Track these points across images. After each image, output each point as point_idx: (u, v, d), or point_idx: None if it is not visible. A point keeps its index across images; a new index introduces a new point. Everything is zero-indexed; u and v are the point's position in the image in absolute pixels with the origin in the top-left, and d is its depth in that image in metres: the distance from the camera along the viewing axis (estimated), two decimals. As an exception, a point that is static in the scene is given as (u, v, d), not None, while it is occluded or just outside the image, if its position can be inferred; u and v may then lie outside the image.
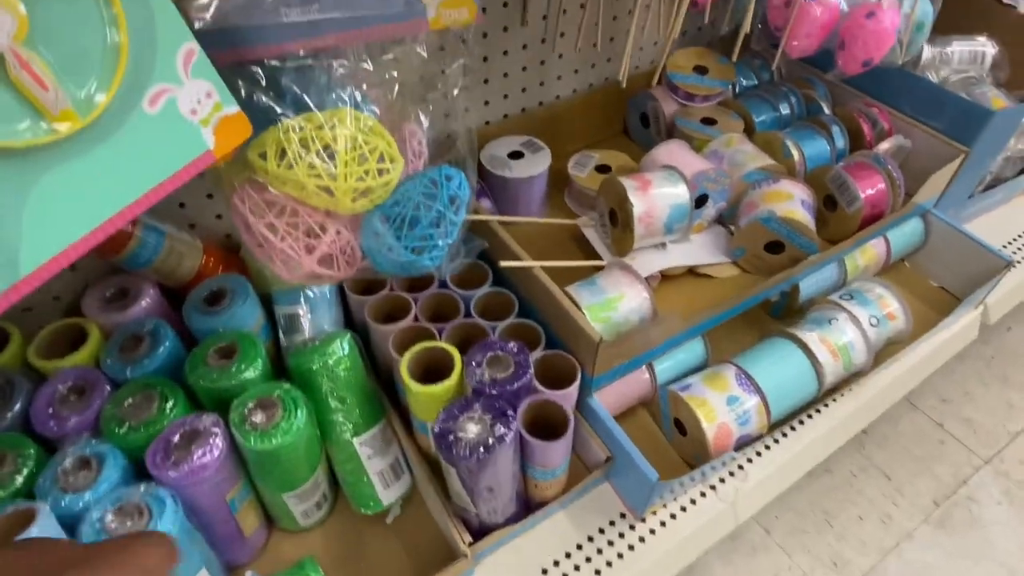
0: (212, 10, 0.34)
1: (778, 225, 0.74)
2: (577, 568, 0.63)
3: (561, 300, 0.61)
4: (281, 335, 0.66)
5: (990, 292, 0.90)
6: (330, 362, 0.59)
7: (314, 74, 0.41)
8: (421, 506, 0.66)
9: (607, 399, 0.69)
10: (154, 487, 0.48)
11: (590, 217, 0.82)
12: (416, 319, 0.66)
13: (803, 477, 0.79)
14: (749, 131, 0.90)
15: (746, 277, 0.80)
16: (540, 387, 0.60)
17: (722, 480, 0.71)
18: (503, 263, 0.65)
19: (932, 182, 0.83)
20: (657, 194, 0.72)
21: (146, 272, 0.64)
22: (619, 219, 0.74)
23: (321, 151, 0.40)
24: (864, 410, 0.80)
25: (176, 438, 0.52)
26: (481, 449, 0.52)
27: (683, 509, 0.69)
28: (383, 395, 0.67)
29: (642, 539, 0.65)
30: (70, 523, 0.46)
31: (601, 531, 0.66)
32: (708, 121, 0.90)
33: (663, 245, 0.77)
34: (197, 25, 0.34)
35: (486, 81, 0.85)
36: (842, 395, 0.77)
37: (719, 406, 0.67)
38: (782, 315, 0.85)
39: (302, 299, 0.66)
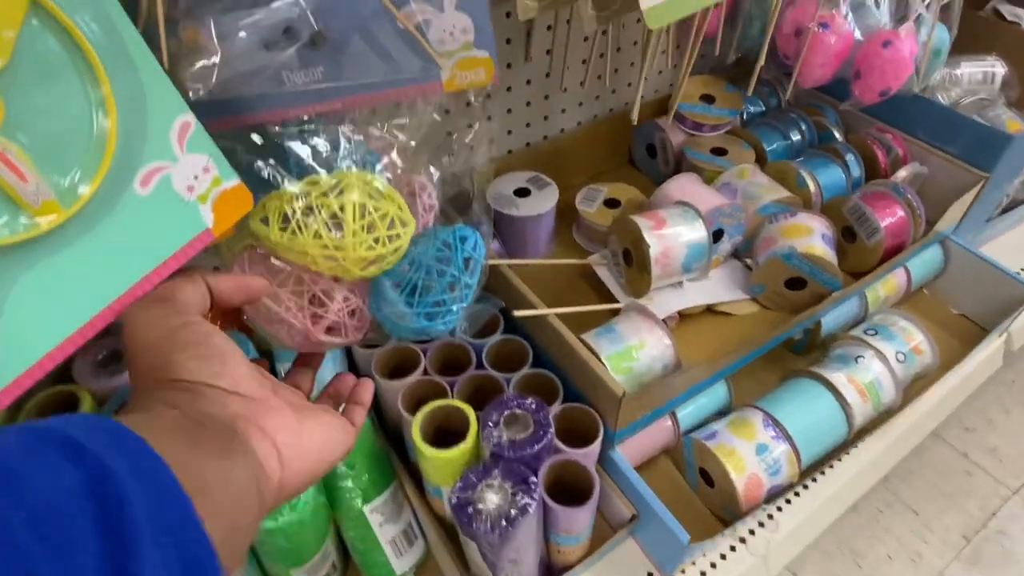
0: (210, 79, 0.31)
1: (799, 262, 0.71)
2: (605, 637, 0.59)
3: (580, 351, 0.58)
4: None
5: (1014, 320, 0.87)
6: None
7: (319, 136, 0.38)
8: (435, 572, 0.62)
9: (628, 450, 0.65)
10: None
11: (601, 255, 0.79)
12: (425, 372, 0.63)
13: (831, 519, 0.75)
14: (760, 160, 0.88)
15: (766, 314, 0.77)
16: (561, 446, 0.56)
17: (752, 532, 0.68)
18: (517, 312, 0.62)
19: (953, 210, 0.80)
20: (674, 233, 0.69)
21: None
22: (634, 259, 0.71)
23: (327, 220, 0.37)
24: (893, 448, 0.77)
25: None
26: (503, 522, 0.48)
27: (713, 565, 0.65)
28: (392, 454, 0.64)
29: (672, 601, 0.62)
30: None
31: (629, 593, 0.62)
32: (718, 151, 0.88)
33: (680, 284, 0.74)
34: (193, 96, 0.31)
35: (489, 118, 0.83)
36: (871, 435, 0.74)
37: (748, 456, 0.64)
38: (803, 352, 0.82)
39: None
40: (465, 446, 0.53)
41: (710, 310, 0.76)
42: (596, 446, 0.58)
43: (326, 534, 0.56)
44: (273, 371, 0.63)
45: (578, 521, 0.54)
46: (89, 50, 0.26)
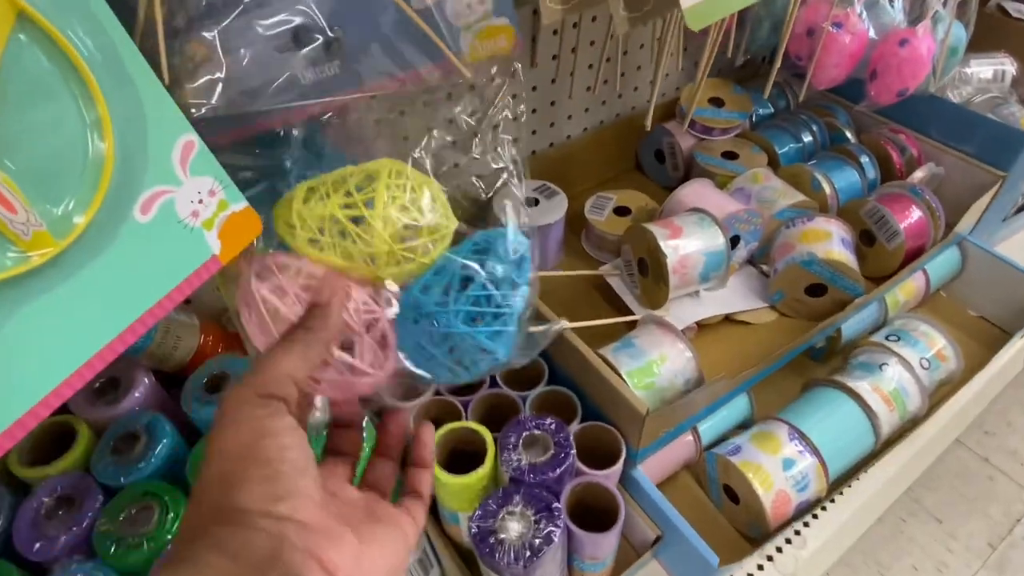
0: (214, 93, 0.28)
1: (820, 268, 0.69)
2: (633, 666, 0.56)
3: (600, 368, 0.56)
4: (291, 418, 0.60)
5: (1036, 321, 0.85)
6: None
7: (332, 130, 0.36)
8: (453, 600, 0.60)
9: (649, 467, 0.63)
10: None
11: (613, 265, 0.77)
12: (437, 392, 0.61)
13: (858, 534, 0.73)
14: (773, 164, 0.86)
15: (785, 321, 0.75)
16: (583, 467, 0.54)
17: (779, 549, 0.65)
18: (531, 328, 0.59)
19: (973, 211, 0.78)
20: (691, 242, 0.67)
21: (139, 358, 0.58)
22: (650, 269, 0.69)
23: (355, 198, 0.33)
24: (920, 457, 0.75)
25: (180, 558, 0.45)
26: (527, 552, 0.46)
27: (740, 586, 0.62)
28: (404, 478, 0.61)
29: (700, 625, 0.59)
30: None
31: (655, 618, 0.59)
32: (729, 155, 0.86)
33: (696, 293, 0.72)
34: (196, 112, 0.28)
35: (496, 127, 0.81)
36: (898, 444, 0.72)
37: (775, 471, 0.61)
38: (823, 359, 0.80)
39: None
40: (483, 471, 0.51)
41: (728, 319, 0.74)
42: (619, 466, 0.55)
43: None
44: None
45: (603, 547, 0.52)
46: (82, 66, 0.24)
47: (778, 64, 0.65)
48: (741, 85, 0.92)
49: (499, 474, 0.53)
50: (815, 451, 0.63)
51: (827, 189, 0.79)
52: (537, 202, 0.80)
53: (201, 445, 0.53)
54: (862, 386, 0.68)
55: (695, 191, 0.76)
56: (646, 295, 0.71)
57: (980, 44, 1.01)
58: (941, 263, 0.85)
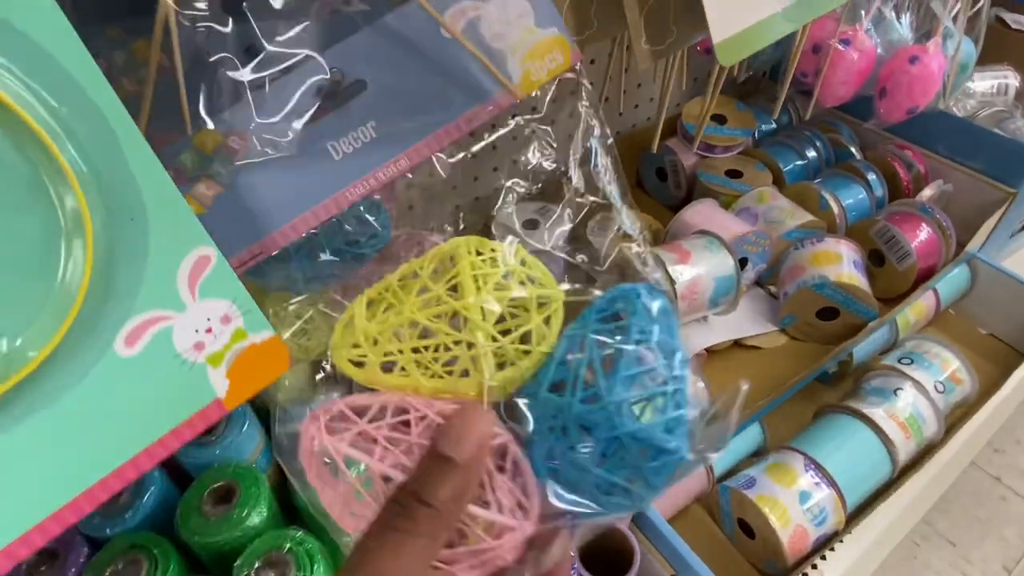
0: (231, 184, 0.25)
1: (833, 291, 0.67)
2: None
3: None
4: (279, 458, 0.57)
5: (1049, 340, 0.84)
6: (348, 496, 0.50)
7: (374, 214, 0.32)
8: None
9: (661, 501, 0.61)
10: None
11: (618, 288, 0.75)
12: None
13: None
14: (778, 182, 0.84)
15: (796, 345, 0.73)
16: (595, 508, 0.51)
17: (796, 584, 0.63)
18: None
19: (984, 229, 0.77)
20: (699, 267, 0.65)
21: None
22: (657, 295, 0.67)
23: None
24: (936, 483, 0.72)
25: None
26: (541, 606, 0.43)
27: (758, 625, 0.60)
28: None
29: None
30: None
31: (671, 663, 0.57)
32: (732, 173, 0.84)
33: (705, 318, 0.70)
34: (208, 213, 0.24)
35: (495, 147, 0.79)
36: (915, 471, 0.69)
37: (791, 505, 0.59)
38: (834, 382, 0.78)
39: (308, 415, 0.58)
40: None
41: (737, 344, 0.72)
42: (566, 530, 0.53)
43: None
44: (268, 431, 0.58)
45: (619, 594, 0.49)
46: (53, 150, 0.19)
47: (787, 85, 0.63)
48: (743, 101, 0.91)
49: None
50: (832, 482, 0.61)
51: (835, 208, 0.77)
52: (537, 224, 0.78)
53: (193, 491, 0.50)
54: (877, 413, 0.66)
55: (701, 212, 0.74)
56: (653, 321, 0.69)
57: (981, 56, 1.00)
58: (950, 281, 0.83)
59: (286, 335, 0.43)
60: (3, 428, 0.20)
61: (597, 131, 0.32)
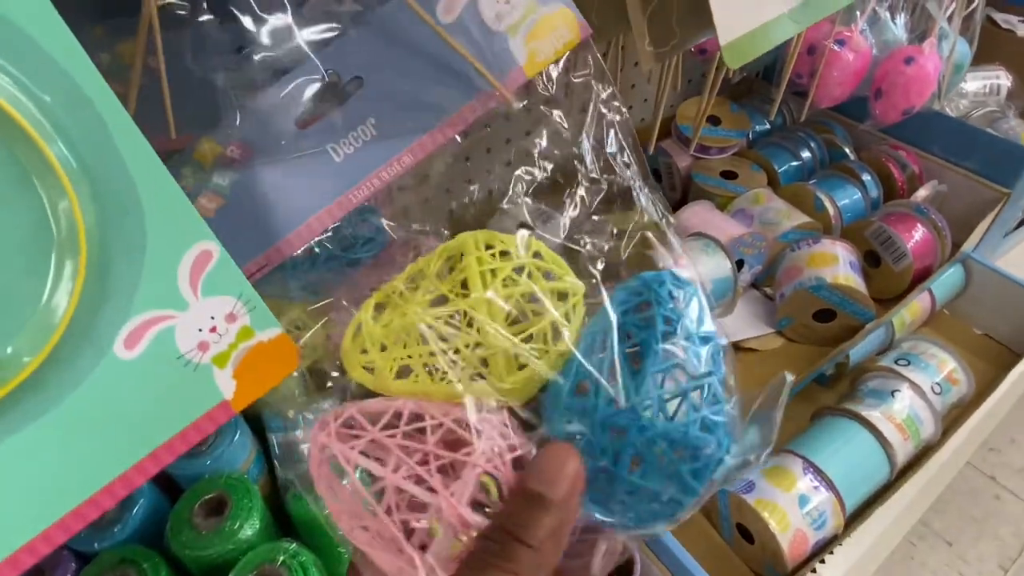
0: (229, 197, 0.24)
1: (830, 293, 0.66)
2: None
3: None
4: (278, 467, 0.56)
5: (1043, 339, 0.84)
6: (342, 506, 0.49)
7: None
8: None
9: (659, 507, 0.60)
10: None
11: (614, 291, 0.74)
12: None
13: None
14: (772, 183, 0.84)
15: (792, 347, 0.73)
16: (594, 516, 0.51)
17: (795, 589, 0.62)
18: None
19: (979, 229, 0.77)
20: (696, 269, 0.64)
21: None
22: (654, 298, 0.66)
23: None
24: (933, 484, 0.72)
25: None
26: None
27: (758, 631, 0.59)
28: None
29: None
30: None
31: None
32: (727, 175, 0.84)
33: (701, 321, 0.69)
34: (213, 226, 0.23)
35: (489, 150, 0.78)
36: (913, 473, 0.69)
37: (791, 509, 0.59)
38: (830, 384, 0.77)
39: (301, 422, 0.57)
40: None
41: (734, 346, 0.71)
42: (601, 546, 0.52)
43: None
44: (263, 442, 0.57)
45: (619, 603, 0.49)
46: (42, 146, 0.18)
47: (783, 86, 0.63)
48: (737, 102, 0.90)
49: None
50: (831, 485, 0.61)
51: (830, 209, 0.77)
52: (532, 227, 0.77)
53: (183, 504, 0.49)
54: (875, 415, 0.66)
55: (697, 215, 0.73)
56: (650, 324, 0.69)
57: (973, 57, 1.00)
58: (946, 281, 0.83)
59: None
60: (6, 433, 0.20)
61: (611, 108, 0.30)
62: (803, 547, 0.59)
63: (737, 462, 0.22)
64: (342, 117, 0.28)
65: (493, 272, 0.25)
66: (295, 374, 0.48)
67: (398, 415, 0.23)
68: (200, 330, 0.22)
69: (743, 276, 0.73)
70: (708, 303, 0.25)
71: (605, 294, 0.25)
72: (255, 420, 0.58)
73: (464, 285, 0.25)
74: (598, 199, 0.29)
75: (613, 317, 0.23)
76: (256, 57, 0.24)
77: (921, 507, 0.73)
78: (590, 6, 0.34)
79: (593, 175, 0.29)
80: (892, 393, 0.68)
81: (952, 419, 0.73)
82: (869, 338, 0.76)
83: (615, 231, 0.28)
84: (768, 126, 0.95)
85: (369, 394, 0.26)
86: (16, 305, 0.19)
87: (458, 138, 0.31)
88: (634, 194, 0.29)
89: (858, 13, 0.66)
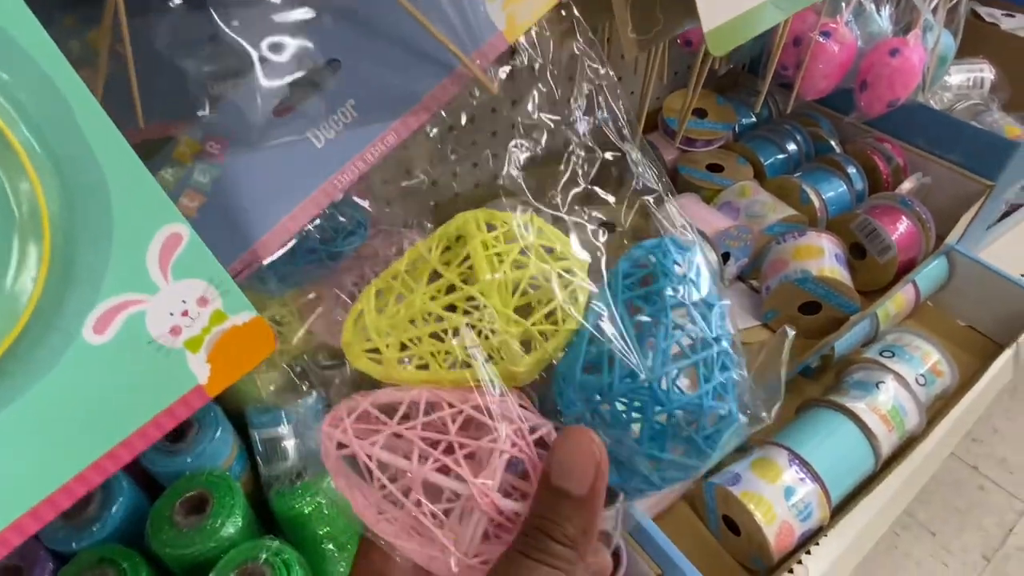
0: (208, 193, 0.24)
1: (815, 286, 0.66)
2: None
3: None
4: (261, 464, 0.56)
5: (1025, 331, 0.84)
6: (324, 502, 0.49)
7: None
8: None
9: (646, 500, 0.60)
10: None
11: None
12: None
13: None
14: (759, 175, 0.84)
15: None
16: (580, 510, 0.51)
17: (781, 581, 0.63)
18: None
19: (963, 221, 0.77)
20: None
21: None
22: (640, 291, 0.66)
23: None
24: (917, 475, 0.73)
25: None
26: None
27: (744, 622, 0.60)
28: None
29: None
30: None
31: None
32: (714, 167, 0.83)
33: (688, 314, 0.69)
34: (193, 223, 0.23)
35: (474, 143, 0.77)
36: (898, 464, 0.70)
37: (777, 501, 0.59)
38: (815, 376, 0.78)
39: (284, 419, 0.56)
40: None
41: (720, 339, 0.72)
42: (618, 506, 0.52)
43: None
44: (245, 439, 0.56)
45: (605, 597, 0.48)
46: (4, 130, 0.18)
47: (769, 78, 0.63)
48: (723, 95, 0.90)
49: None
50: (816, 477, 0.61)
51: (816, 202, 0.77)
52: (546, 190, 0.76)
53: (164, 501, 0.48)
54: (860, 407, 0.66)
55: (683, 207, 0.73)
56: (636, 317, 0.68)
57: (957, 50, 1.00)
58: (930, 274, 0.83)
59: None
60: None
61: (599, 73, 0.29)
62: (789, 539, 0.59)
63: (748, 421, 0.23)
64: (321, 102, 0.27)
65: (499, 256, 0.24)
66: (283, 369, 0.47)
67: (414, 405, 0.23)
68: (171, 314, 0.22)
69: (729, 269, 0.73)
70: (711, 263, 0.24)
71: (604, 269, 0.25)
72: (238, 417, 0.57)
73: (469, 267, 0.24)
74: (594, 169, 0.28)
75: (619, 291, 0.23)
76: (229, 44, 0.23)
77: (906, 498, 0.74)
78: (571, -6, 0.34)
79: (588, 143, 0.28)
80: (877, 385, 0.68)
81: (936, 410, 0.74)
82: (854, 330, 0.76)
83: (614, 200, 0.28)
84: (754, 119, 0.95)
85: (370, 384, 0.25)
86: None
87: (443, 113, 0.30)
88: (629, 161, 0.28)
89: (843, 4, 0.66)
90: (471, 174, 0.38)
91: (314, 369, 0.32)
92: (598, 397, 0.22)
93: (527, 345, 0.23)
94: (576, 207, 0.27)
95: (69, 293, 0.20)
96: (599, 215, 0.27)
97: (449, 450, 0.22)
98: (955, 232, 0.78)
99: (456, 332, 0.23)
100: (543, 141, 0.29)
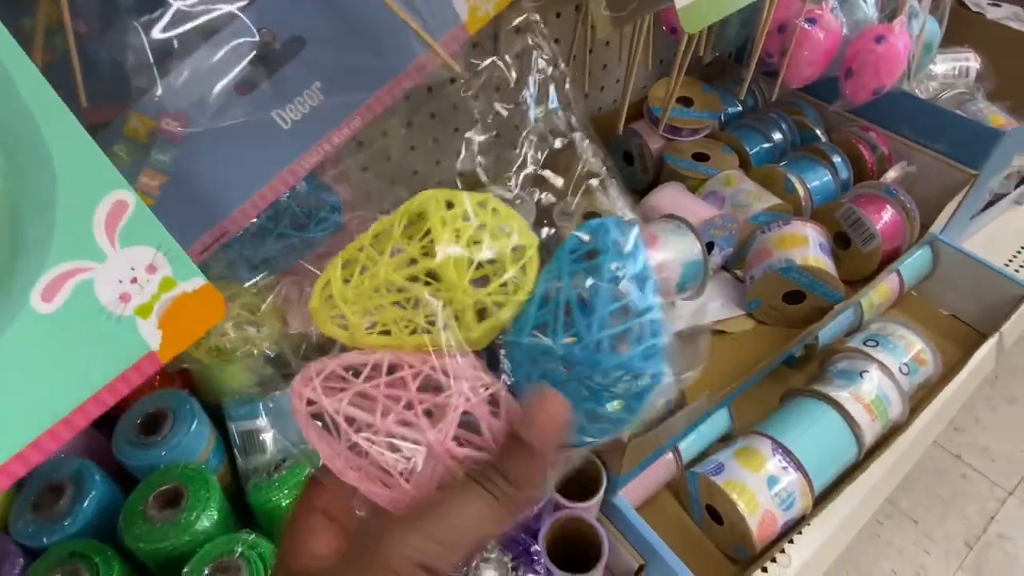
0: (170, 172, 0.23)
1: (799, 275, 0.66)
2: None
3: (577, 392, 0.52)
4: (238, 456, 0.55)
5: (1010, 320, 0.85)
6: (304, 494, 0.48)
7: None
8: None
9: (630, 489, 0.60)
10: None
11: (585, 274, 0.73)
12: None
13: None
14: (744, 165, 0.83)
15: (763, 329, 0.73)
16: (562, 500, 0.50)
17: (764, 569, 0.63)
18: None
19: (947, 210, 0.77)
20: (667, 252, 0.63)
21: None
22: (624, 280, 0.65)
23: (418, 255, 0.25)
24: (900, 464, 0.73)
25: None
26: (506, 604, 0.42)
27: (727, 612, 0.60)
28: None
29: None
30: None
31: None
32: (699, 157, 0.83)
33: (672, 303, 0.69)
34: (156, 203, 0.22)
35: (456, 129, 0.76)
36: (881, 453, 0.70)
37: (760, 490, 0.59)
38: (800, 365, 0.78)
39: (261, 410, 0.55)
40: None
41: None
42: (599, 497, 0.52)
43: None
44: (223, 432, 0.55)
45: (587, 587, 0.48)
46: None
47: (753, 65, 0.62)
48: (709, 83, 0.90)
49: (471, 513, 0.49)
50: (799, 466, 0.61)
51: (801, 191, 0.77)
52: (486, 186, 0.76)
53: (137, 495, 0.47)
54: (843, 396, 0.66)
55: (668, 196, 0.73)
56: (620, 307, 0.68)
57: (942, 39, 1.00)
58: (914, 263, 0.84)
59: (228, 325, 0.41)
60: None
61: (550, 63, 0.30)
62: (772, 528, 0.59)
63: (674, 380, 0.26)
64: (286, 81, 0.26)
65: (457, 232, 0.26)
66: (255, 360, 0.46)
67: (377, 367, 0.25)
68: (120, 281, 0.22)
69: (714, 258, 0.73)
70: (680, 288, 0.26)
71: (553, 246, 0.27)
72: (215, 409, 0.56)
73: (430, 241, 0.26)
74: (545, 154, 0.29)
75: (566, 264, 0.26)
76: (178, 18, 0.22)
77: (888, 487, 0.74)
78: (546, -28, 0.33)
79: (539, 130, 0.30)
80: (860, 374, 0.68)
81: (919, 399, 0.74)
82: (838, 320, 0.76)
83: (562, 184, 0.30)
84: (740, 108, 0.95)
85: (339, 351, 0.27)
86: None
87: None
88: (577, 147, 0.30)
89: (829, -9, 0.65)
90: (436, 158, 0.38)
91: (292, 359, 0.31)
92: (544, 359, 0.25)
93: (482, 314, 0.26)
94: (528, 188, 0.29)
95: (16, 262, 0.20)
96: (550, 196, 0.29)
97: (410, 406, 0.24)
98: (939, 221, 0.78)
99: (417, 302, 0.25)
100: (497, 128, 0.30)
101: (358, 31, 0.27)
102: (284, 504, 0.48)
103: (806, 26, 0.66)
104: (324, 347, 0.29)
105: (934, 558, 0.90)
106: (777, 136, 0.86)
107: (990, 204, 0.95)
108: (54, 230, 0.20)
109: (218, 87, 0.25)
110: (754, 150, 0.84)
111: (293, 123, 0.27)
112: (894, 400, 0.68)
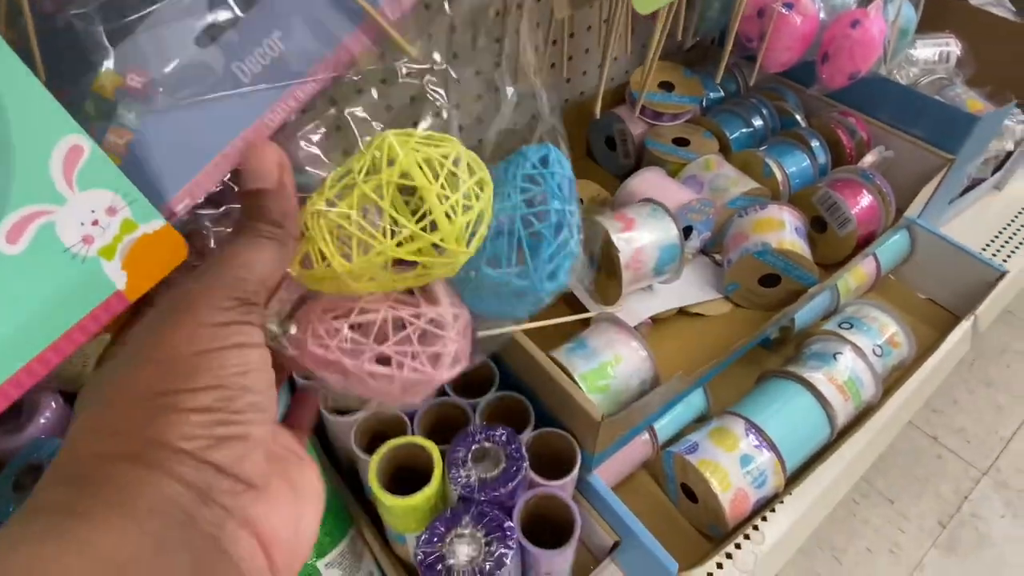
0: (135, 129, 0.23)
1: (774, 258, 0.67)
2: None
3: (553, 373, 0.53)
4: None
5: (984, 303, 0.86)
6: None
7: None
8: (403, 621, 0.56)
9: (606, 469, 0.61)
10: None
11: (565, 258, 0.74)
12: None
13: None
14: (724, 150, 0.84)
15: (740, 312, 0.74)
16: (537, 478, 0.51)
17: (738, 546, 0.64)
18: (480, 333, 0.56)
19: (922, 194, 0.78)
20: (644, 235, 0.64)
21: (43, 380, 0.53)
22: (602, 264, 0.66)
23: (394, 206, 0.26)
24: (874, 444, 0.75)
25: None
26: (478, 578, 0.43)
27: (700, 587, 0.61)
28: (348, 493, 0.57)
29: (661, 630, 0.57)
30: None
31: (615, 627, 0.57)
32: (680, 141, 0.83)
33: (650, 286, 0.70)
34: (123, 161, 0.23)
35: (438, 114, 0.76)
36: (853, 433, 0.71)
37: (732, 469, 0.60)
38: (776, 348, 0.79)
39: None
40: (429, 490, 0.48)
41: (682, 312, 0.72)
42: (574, 475, 0.53)
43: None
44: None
45: (559, 563, 0.49)
46: None
47: (729, 48, 0.63)
48: (691, 68, 0.90)
49: (448, 492, 0.50)
50: (772, 446, 0.62)
51: (779, 175, 0.77)
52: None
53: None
54: (817, 377, 0.67)
55: (647, 181, 0.73)
56: (599, 291, 0.69)
57: (923, 24, 1.01)
58: (891, 247, 0.85)
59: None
60: None
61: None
62: (744, 506, 0.60)
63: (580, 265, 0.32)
64: (244, 32, 0.26)
65: (416, 149, 0.27)
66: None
67: (350, 312, 0.28)
68: (82, 224, 0.23)
69: (692, 242, 0.73)
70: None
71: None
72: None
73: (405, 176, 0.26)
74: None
75: (517, 208, 0.30)
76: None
77: (862, 466, 0.75)
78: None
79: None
80: (834, 355, 0.69)
81: (893, 380, 0.75)
82: (814, 302, 0.77)
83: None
84: (722, 93, 0.95)
85: None
86: None
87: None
88: (539, 104, 0.34)
89: (806, -24, 0.65)
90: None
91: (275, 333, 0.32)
92: (496, 285, 0.31)
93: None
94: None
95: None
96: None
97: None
98: (915, 205, 0.79)
99: (396, 223, 0.26)
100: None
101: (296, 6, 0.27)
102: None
103: (783, 11, 0.67)
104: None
105: (908, 536, 0.92)
106: (758, 121, 0.87)
107: (969, 189, 0.97)
108: (13, 174, 0.22)
109: (177, 39, 0.25)
110: (734, 135, 0.85)
111: (254, 75, 0.27)
112: (867, 381, 0.69)
